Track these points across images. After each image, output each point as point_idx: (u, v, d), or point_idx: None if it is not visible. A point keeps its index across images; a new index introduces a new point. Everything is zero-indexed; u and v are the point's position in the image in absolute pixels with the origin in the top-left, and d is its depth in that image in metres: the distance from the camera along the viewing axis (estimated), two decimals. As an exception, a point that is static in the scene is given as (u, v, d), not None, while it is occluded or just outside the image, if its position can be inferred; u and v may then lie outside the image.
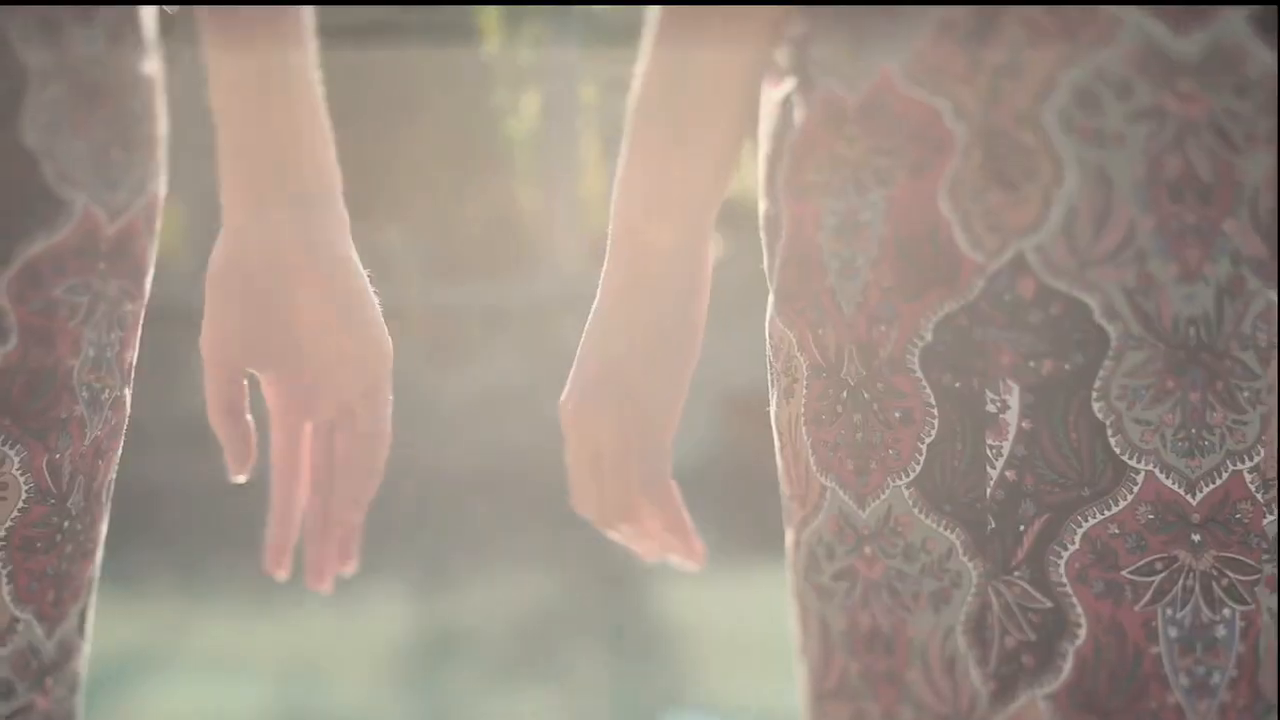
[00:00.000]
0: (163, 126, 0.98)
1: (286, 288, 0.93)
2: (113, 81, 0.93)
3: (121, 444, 0.99)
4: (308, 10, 0.95)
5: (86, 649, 0.99)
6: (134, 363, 0.99)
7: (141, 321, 0.98)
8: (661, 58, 0.90)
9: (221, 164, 0.94)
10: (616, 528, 0.96)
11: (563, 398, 0.94)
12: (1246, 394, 0.82)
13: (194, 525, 6.30)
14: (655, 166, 0.91)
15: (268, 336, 0.94)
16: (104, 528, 0.99)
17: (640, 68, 0.91)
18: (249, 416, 0.96)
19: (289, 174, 0.93)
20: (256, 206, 0.93)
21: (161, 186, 0.98)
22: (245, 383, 0.96)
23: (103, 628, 1.01)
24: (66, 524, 0.94)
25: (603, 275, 0.94)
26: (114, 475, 0.99)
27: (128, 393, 0.98)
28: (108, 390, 0.95)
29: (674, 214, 0.91)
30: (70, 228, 0.91)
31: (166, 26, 1.00)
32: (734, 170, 0.92)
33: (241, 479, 0.97)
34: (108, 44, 0.93)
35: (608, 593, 5.28)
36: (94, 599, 0.99)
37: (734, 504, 6.79)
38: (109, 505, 0.99)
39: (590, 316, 0.94)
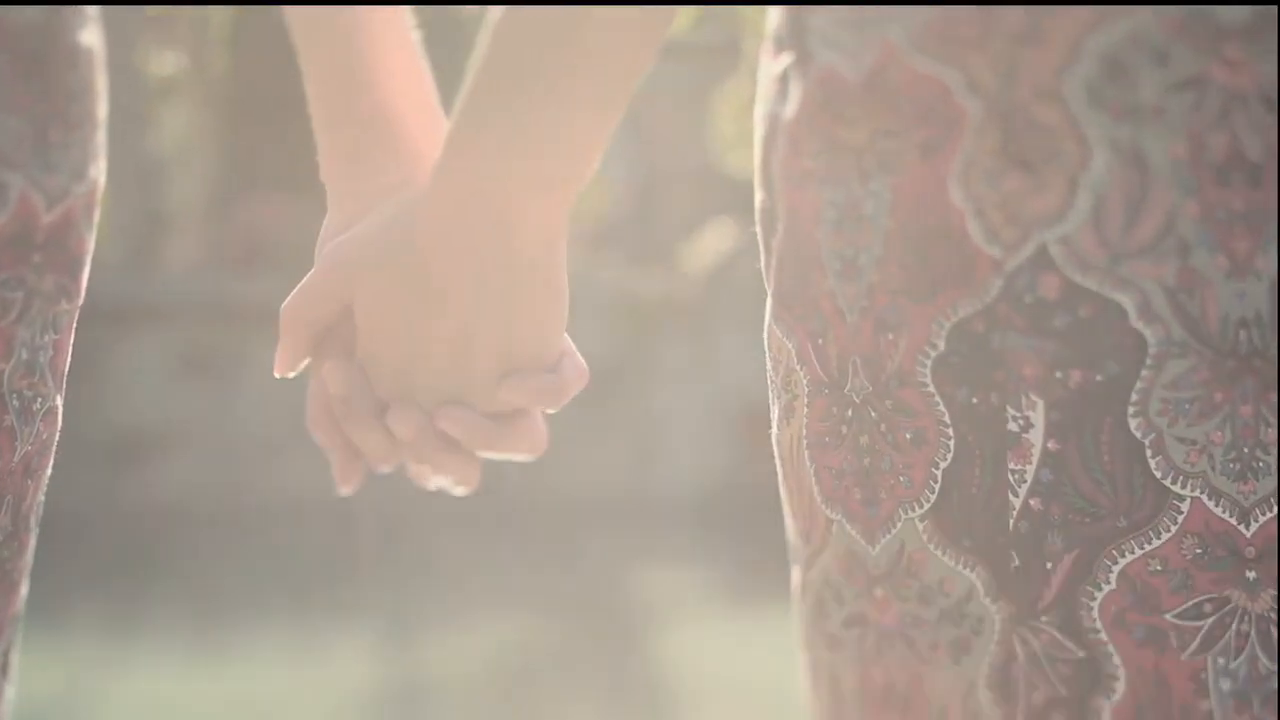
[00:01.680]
0: (104, 106, 0.99)
1: None
2: (50, 52, 0.94)
3: (51, 462, 1.00)
4: None
5: (11, 693, 1.01)
6: (66, 370, 1.01)
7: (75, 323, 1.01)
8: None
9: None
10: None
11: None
12: None
13: (124, 554, 6.30)
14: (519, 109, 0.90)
15: None
16: (30, 557, 1.00)
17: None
18: None
19: None
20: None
21: (101, 172, 0.99)
22: None
23: (19, 670, 1.04)
24: None
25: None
26: (43, 497, 1.00)
27: (59, 403, 1.00)
28: (40, 399, 0.97)
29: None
30: (6, 215, 0.92)
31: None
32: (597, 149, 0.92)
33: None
34: (45, 11, 0.94)
35: (600, 639, 5.29)
36: (19, 638, 1.01)
37: (752, 534, 6.78)
38: (36, 531, 1.00)
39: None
